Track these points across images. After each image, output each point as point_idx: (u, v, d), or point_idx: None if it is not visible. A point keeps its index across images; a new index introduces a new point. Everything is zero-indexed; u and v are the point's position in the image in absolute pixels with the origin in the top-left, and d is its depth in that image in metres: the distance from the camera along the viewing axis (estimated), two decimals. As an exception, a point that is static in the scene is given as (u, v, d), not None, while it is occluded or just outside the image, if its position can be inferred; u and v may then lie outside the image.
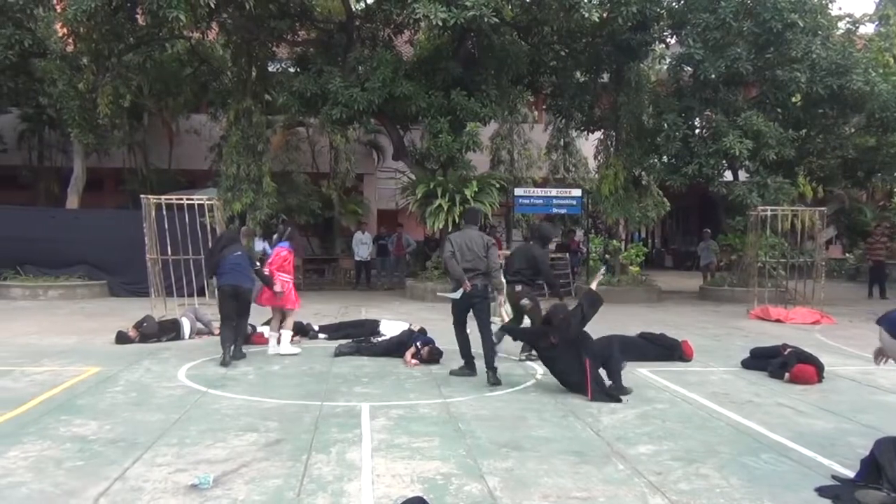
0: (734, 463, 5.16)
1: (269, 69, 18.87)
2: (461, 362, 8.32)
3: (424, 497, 4.20)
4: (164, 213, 13.03)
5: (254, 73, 17.80)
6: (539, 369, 8.51)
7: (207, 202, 13.40)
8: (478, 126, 17.75)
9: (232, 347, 8.78)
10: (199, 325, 10.74)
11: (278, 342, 9.42)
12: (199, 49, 19.33)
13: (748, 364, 8.81)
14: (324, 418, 6.22)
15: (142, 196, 13.16)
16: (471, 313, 8.08)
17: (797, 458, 5.24)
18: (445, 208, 16.45)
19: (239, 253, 9.15)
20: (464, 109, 16.21)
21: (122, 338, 10.03)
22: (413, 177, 18.33)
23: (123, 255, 15.49)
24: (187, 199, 13.32)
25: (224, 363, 8.55)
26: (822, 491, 4.52)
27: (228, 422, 6.07)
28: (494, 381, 7.67)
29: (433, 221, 16.65)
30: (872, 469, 4.52)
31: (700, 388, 7.64)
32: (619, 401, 6.92)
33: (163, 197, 13.36)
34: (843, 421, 6.37)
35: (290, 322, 9.57)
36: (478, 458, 5.16)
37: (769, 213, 14.89)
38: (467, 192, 16.53)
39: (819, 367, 8.19)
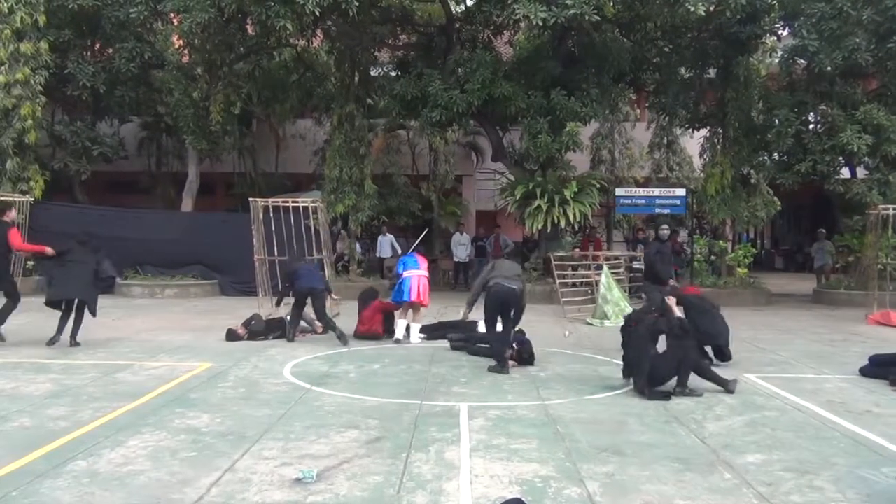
0: (851, 476, 4.88)
1: (371, 74, 19.26)
2: (558, 364, 8.24)
3: (523, 499, 4.18)
4: (271, 215, 13.52)
5: (356, 78, 18.21)
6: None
7: (312, 204, 13.82)
8: (578, 126, 17.52)
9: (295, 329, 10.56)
10: (303, 323, 11.08)
11: (408, 332, 10.62)
12: (305, 56, 19.97)
13: (867, 372, 8.30)
14: (423, 417, 6.29)
15: (250, 199, 13.71)
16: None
17: (922, 474, 4.91)
18: (545, 209, 16.33)
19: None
20: (563, 109, 16.04)
21: (231, 335, 10.47)
22: (512, 178, 18.30)
23: (233, 255, 16.15)
24: (293, 202, 13.76)
25: (289, 339, 10.38)
26: None
27: (331, 419, 6.22)
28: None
29: (532, 222, 16.57)
30: None
31: (814, 397, 7.27)
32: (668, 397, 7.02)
33: (270, 200, 13.86)
34: (976, 435, 5.92)
35: (420, 316, 10.81)
36: (577, 462, 5.09)
37: (891, 212, 14.03)
38: (567, 193, 16.37)
39: None
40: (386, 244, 19.81)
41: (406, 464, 5.01)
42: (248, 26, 16.40)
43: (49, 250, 9.73)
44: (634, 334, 7.61)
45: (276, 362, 8.83)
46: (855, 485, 4.70)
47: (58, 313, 9.60)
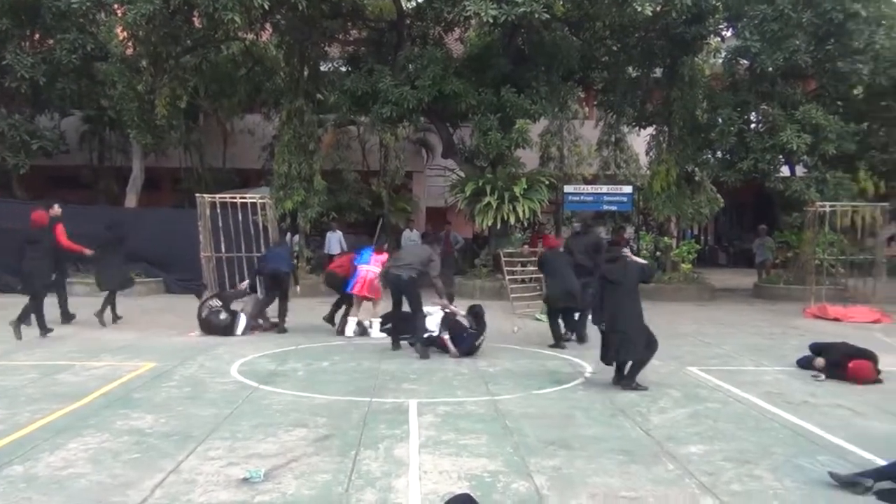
0: (789, 465, 5.04)
1: (321, 69, 19.09)
2: (507, 359, 8.33)
3: (471, 494, 4.21)
4: (219, 211, 13.32)
5: (306, 73, 18.02)
6: (588, 367, 8.45)
7: (260, 201, 13.66)
8: (527, 123, 17.64)
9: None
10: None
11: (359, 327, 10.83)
12: (253, 50, 19.68)
13: (804, 363, 8.56)
14: (372, 414, 6.28)
15: (197, 195, 13.47)
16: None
17: (855, 461, 5.09)
18: (494, 206, 16.42)
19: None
20: (513, 106, 16.14)
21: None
22: (462, 174, 18.34)
23: (179, 252, 15.84)
24: (241, 198, 13.58)
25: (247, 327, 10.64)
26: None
27: (279, 417, 6.17)
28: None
29: (482, 219, 16.63)
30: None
31: (754, 388, 7.48)
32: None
33: (217, 196, 13.65)
34: (905, 424, 6.17)
35: (377, 311, 10.93)
36: (525, 456, 5.14)
37: (828, 209, 14.50)
38: (516, 190, 16.47)
39: (874, 361, 7.95)
40: (334, 240, 19.67)
41: (355, 461, 5.00)
42: (194, 18, 16.06)
43: (87, 251, 11.28)
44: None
45: (223, 361, 8.71)
46: (792, 473, 4.85)
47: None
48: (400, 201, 24.01)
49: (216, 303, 10.85)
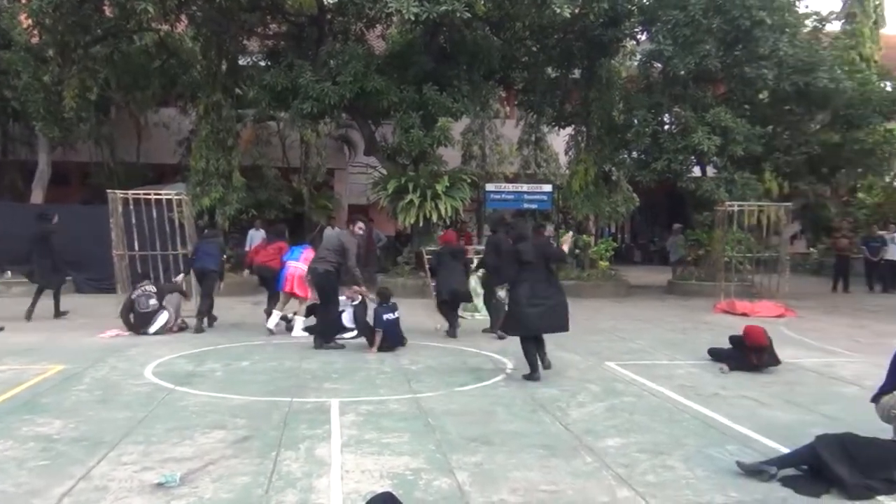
0: (700, 455, 5.23)
1: (240, 63, 18.70)
2: (429, 357, 8.37)
3: (393, 492, 4.21)
4: (132, 208, 12.88)
5: (224, 67, 17.62)
6: (509, 364, 8.56)
7: (176, 197, 13.27)
8: (449, 121, 17.74)
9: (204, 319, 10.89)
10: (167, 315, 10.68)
11: (284, 322, 10.83)
12: (168, 42, 19.09)
13: (714, 354, 8.92)
14: (293, 414, 6.20)
15: (108, 191, 12.98)
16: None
17: (761, 449, 5.33)
18: (417, 203, 16.45)
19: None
20: (435, 104, 16.19)
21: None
22: (384, 172, 18.29)
23: (90, 251, 15.22)
24: (155, 195, 13.16)
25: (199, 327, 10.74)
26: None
27: (196, 419, 6.02)
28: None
29: (404, 217, 16.64)
30: (802, 460, 4.70)
31: (667, 382, 7.73)
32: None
33: (130, 192, 13.19)
34: (806, 413, 6.48)
35: (303, 308, 10.79)
36: (447, 453, 5.17)
37: (736, 208, 15.10)
38: (438, 188, 16.54)
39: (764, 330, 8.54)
40: (257, 238, 19.29)
41: (275, 462, 4.93)
42: (105, 7, 15.47)
43: None
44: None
45: (137, 362, 8.43)
46: (703, 463, 5.04)
47: None
48: (321, 199, 23.76)
49: (151, 288, 10.69)
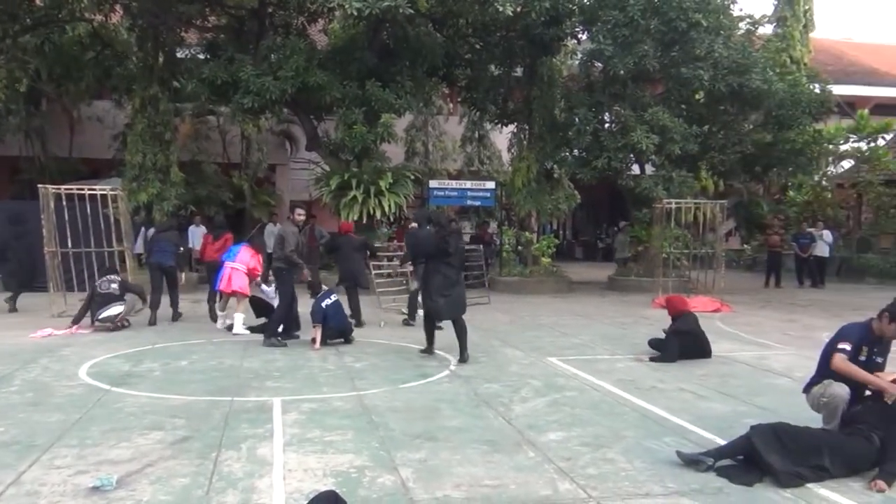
0: (639, 447, 5.35)
1: (178, 55, 18.24)
2: (373, 354, 8.36)
3: (337, 491, 4.18)
4: (64, 203, 12.49)
5: (161, 59, 17.18)
6: (453, 360, 8.60)
7: (111, 192, 12.91)
8: (392, 117, 17.67)
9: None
10: (112, 312, 10.44)
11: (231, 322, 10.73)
12: (102, 32, 18.51)
13: (653, 344, 9.21)
14: (234, 414, 6.10)
15: (39, 186, 12.56)
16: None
17: (697, 440, 5.48)
18: (360, 200, 16.36)
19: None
20: (378, 100, 16.13)
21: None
22: (327, 168, 18.13)
23: (19, 247, 14.66)
24: (89, 190, 12.78)
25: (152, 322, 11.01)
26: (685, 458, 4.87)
27: (133, 420, 5.87)
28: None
29: (347, 213, 16.52)
30: (738, 450, 4.85)
31: (608, 376, 7.88)
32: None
33: (62, 187, 12.78)
34: (740, 404, 6.69)
35: (242, 307, 10.72)
36: (391, 450, 5.17)
37: (673, 205, 15.44)
38: (382, 184, 16.48)
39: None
40: (198, 234, 18.91)
41: (216, 463, 4.85)
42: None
43: None
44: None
45: (70, 363, 8.18)
46: (642, 455, 5.15)
47: None
48: (263, 195, 23.39)
49: (116, 276, 10.79)
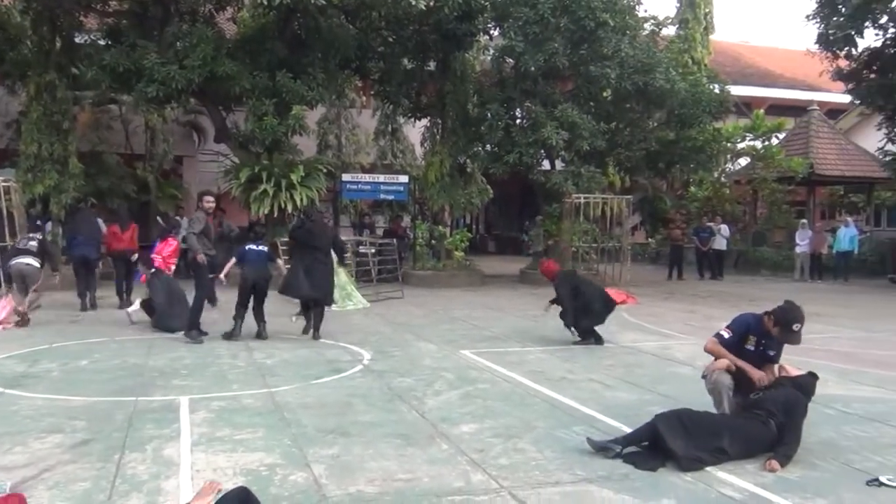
0: (549, 436, 5.47)
1: (77, 40, 17.40)
2: (284, 350, 8.24)
3: (248, 488, 4.11)
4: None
5: (58, 44, 16.36)
6: (367, 355, 8.57)
7: (3, 184, 12.26)
8: (304, 109, 17.42)
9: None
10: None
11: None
12: (-8, 14, 17.48)
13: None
14: (138, 414, 5.90)
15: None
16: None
17: (604, 429, 5.65)
18: (271, 193, 16.07)
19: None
20: (290, 92, 15.86)
21: None
22: (236, 160, 17.72)
23: None
24: (-22, 181, 12.10)
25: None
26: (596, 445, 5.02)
27: (28, 424, 5.59)
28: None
29: (258, 206, 16.21)
30: (644, 436, 5.02)
31: (519, 368, 8.01)
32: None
33: (-51, 178, 12.06)
34: (645, 392, 6.94)
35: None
36: (303, 447, 5.11)
37: (582, 200, 15.84)
38: (293, 177, 16.23)
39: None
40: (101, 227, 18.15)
41: (119, 466, 4.67)
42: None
43: None
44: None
45: (-41, 364, 7.72)
46: (552, 444, 5.27)
47: None
48: (169, 187, 22.63)
49: (37, 236, 10.96)
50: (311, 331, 9.70)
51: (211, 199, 9.92)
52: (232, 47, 16.28)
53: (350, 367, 7.92)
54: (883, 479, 4.54)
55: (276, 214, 16.49)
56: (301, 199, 16.25)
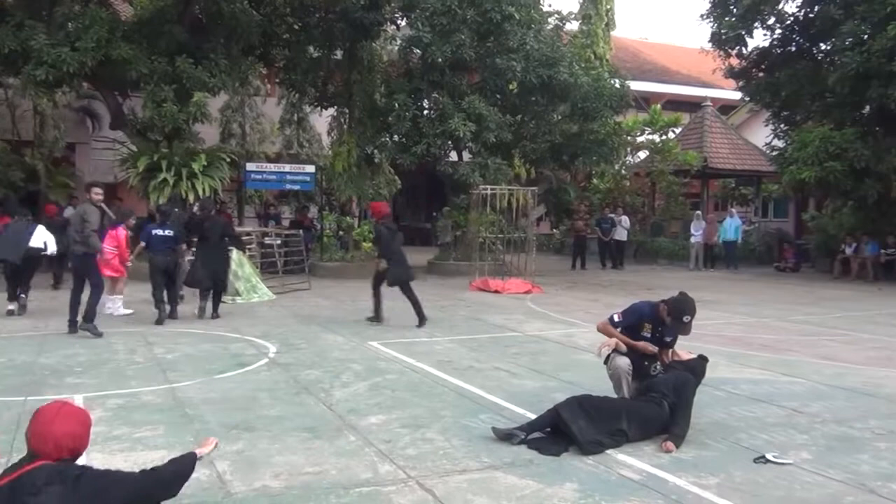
0: (456, 425, 5.53)
1: (-46, 18, 16.30)
2: (187, 344, 7.99)
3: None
4: None
5: (-67, 22, 15.26)
6: (272, 347, 8.44)
7: None
8: (206, 96, 16.89)
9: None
10: None
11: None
12: None
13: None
14: (28, 415, 5.57)
15: None
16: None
17: (510, 416, 5.76)
18: (171, 183, 15.53)
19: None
20: (190, 78, 15.33)
21: None
22: (134, 148, 17.02)
23: None
24: None
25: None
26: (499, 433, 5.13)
27: None
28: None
29: (157, 196, 15.62)
30: (547, 423, 5.16)
31: (427, 358, 8.07)
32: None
33: None
34: (549, 380, 7.11)
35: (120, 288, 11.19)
36: (207, 443, 4.98)
37: (489, 191, 16.03)
38: (195, 166, 15.74)
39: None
40: None
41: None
42: None
43: None
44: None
45: None
46: (459, 433, 5.34)
47: None
48: (60, 175, 21.53)
49: None
50: (211, 312, 10.65)
51: (100, 191, 9.71)
52: (128, 30, 15.61)
53: (255, 361, 7.78)
54: (769, 456, 4.83)
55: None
56: (203, 189, 15.77)
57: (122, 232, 11.08)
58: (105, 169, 22.92)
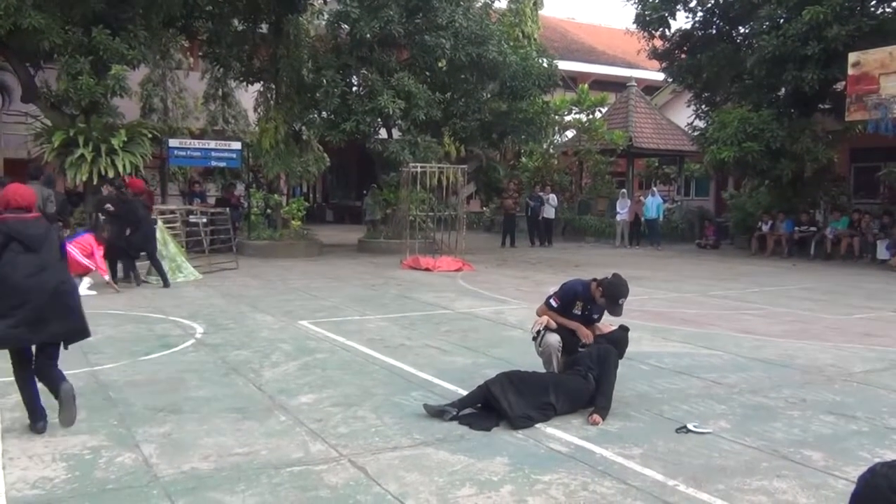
0: (388, 403, 5.54)
1: None
2: (108, 326, 7.75)
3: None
4: None
5: None
6: (199, 328, 8.26)
7: None
8: (125, 69, 16.26)
9: None
10: None
11: None
12: None
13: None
14: (-62, 402, 5.35)
15: None
16: None
17: (441, 392, 5.81)
18: (89, 159, 14.96)
19: None
20: (108, 50, 14.75)
21: None
22: (48, 122, 16.30)
23: None
24: None
25: None
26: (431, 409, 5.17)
27: None
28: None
29: (74, 173, 15.04)
30: (478, 399, 5.24)
31: (358, 336, 8.04)
32: None
33: None
34: (479, 356, 7.19)
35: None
36: (131, 427, 4.87)
37: (419, 169, 16.01)
38: (114, 142, 15.20)
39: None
40: None
41: (-84, 459, 4.23)
42: None
43: None
44: None
45: None
46: (391, 410, 5.35)
47: None
48: (-33, 151, 20.48)
49: None
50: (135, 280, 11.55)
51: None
52: (39, -2, 14.87)
53: (182, 342, 7.61)
54: (690, 426, 5.01)
55: (95, 182, 15.36)
56: (124, 166, 15.26)
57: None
58: (18, 144, 21.88)
